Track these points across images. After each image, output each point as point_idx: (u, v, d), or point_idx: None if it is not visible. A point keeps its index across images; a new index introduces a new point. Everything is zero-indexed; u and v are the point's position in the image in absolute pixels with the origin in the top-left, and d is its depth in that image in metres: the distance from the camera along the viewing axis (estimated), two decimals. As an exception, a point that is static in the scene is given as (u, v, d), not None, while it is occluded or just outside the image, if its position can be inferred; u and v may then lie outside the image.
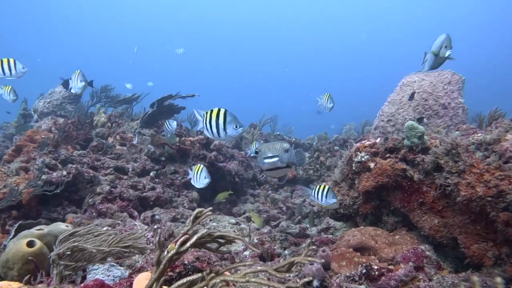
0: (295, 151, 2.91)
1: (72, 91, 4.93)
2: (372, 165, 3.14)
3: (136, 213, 4.83)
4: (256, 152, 2.70)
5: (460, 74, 4.38)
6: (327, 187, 3.06)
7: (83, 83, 4.79)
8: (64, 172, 4.45)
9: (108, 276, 2.24)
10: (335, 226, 4.80)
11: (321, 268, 2.89)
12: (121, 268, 2.43)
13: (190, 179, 3.81)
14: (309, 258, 1.49)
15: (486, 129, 2.61)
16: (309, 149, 8.19)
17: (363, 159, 3.21)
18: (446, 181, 2.52)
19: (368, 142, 3.28)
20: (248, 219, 5.43)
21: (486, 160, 2.26)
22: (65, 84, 5.53)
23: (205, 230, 1.55)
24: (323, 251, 3.04)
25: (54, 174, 4.36)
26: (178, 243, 1.42)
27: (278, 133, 9.19)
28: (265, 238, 3.64)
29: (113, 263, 2.38)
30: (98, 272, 2.24)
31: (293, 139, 8.69)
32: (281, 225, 5.42)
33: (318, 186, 3.10)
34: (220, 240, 1.72)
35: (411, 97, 4.56)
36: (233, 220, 5.27)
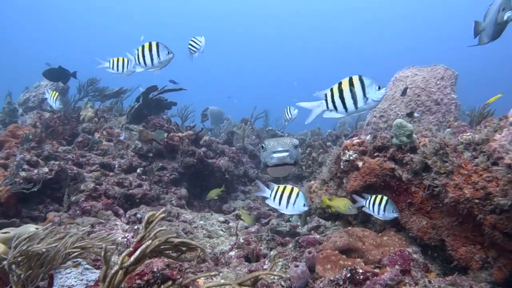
0: None
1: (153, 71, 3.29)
2: (360, 164, 3.09)
3: (121, 211, 4.76)
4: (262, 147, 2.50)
5: (453, 69, 4.33)
6: (385, 198, 2.59)
7: (170, 55, 3.11)
8: (46, 169, 4.37)
9: (81, 280, 2.18)
10: (325, 225, 4.76)
11: (306, 270, 2.84)
12: (97, 271, 2.37)
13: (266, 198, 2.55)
14: (274, 273, 1.43)
15: (476, 128, 2.56)
16: (301, 145, 8.14)
17: (351, 157, 3.16)
18: (434, 181, 2.48)
19: (357, 140, 3.23)
20: (238, 217, 5.39)
21: (475, 160, 2.22)
22: (49, 72, 5.39)
23: (156, 241, 1.47)
24: (309, 252, 3.00)
25: (35, 171, 4.28)
26: (133, 256, 1.36)
27: (270, 128, 9.12)
28: (251, 238, 3.59)
29: (87, 266, 2.32)
30: (70, 276, 2.18)
31: (286, 134, 8.63)
32: (271, 222, 5.37)
33: (374, 197, 2.63)
34: (182, 248, 1.65)
35: (404, 92, 4.50)
36: (222, 218, 5.22)
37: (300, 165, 2.59)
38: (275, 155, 2.23)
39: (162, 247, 1.50)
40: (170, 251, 1.63)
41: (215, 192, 5.19)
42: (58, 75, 5.38)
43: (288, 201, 2.35)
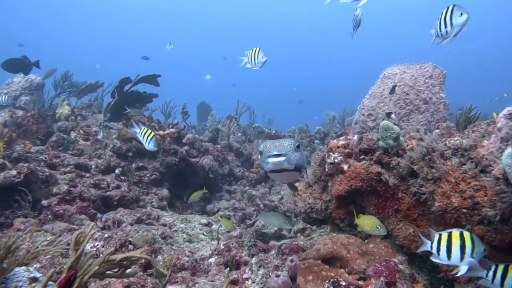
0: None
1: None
2: (345, 167, 3.01)
3: (98, 215, 4.63)
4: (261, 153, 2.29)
5: (442, 67, 4.27)
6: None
7: (264, 59, 4.18)
8: (14, 172, 4.21)
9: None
10: (312, 227, 4.69)
11: (288, 280, 2.77)
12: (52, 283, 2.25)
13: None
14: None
15: (463, 132, 2.49)
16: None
17: (336, 160, 3.08)
18: (421, 188, 2.41)
19: (342, 142, 3.14)
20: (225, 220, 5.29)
21: (462, 167, 2.15)
22: (9, 63, 5.10)
23: (94, 266, 1.35)
24: (291, 261, 2.92)
25: (1, 174, 4.11)
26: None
27: (257, 124, 9.02)
28: (232, 243, 3.49)
29: (37, 275, 2.21)
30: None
31: (273, 131, 8.55)
32: (257, 224, 5.30)
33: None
34: (124, 263, 1.53)
35: (392, 90, 4.44)
36: (204, 220, 5.12)
37: (301, 169, 2.30)
38: (270, 159, 2.01)
39: (101, 269, 1.38)
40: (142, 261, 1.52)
41: (197, 194, 5.08)
42: (18, 65, 5.11)
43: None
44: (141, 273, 2.55)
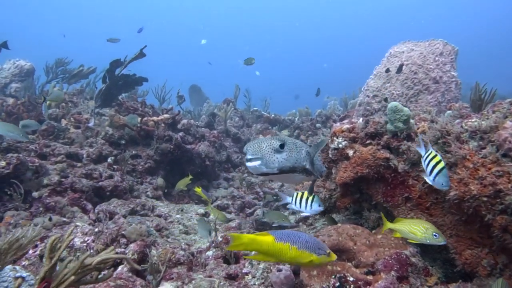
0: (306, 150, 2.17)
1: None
2: (350, 152, 2.85)
3: (90, 206, 4.49)
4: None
5: (453, 44, 4.07)
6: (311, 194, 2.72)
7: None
8: (3, 163, 4.05)
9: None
10: (314, 216, 4.56)
11: (291, 275, 2.63)
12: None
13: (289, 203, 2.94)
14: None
15: (481, 113, 2.32)
16: (289, 127, 7.88)
17: (340, 145, 2.92)
18: (434, 175, 2.25)
19: (347, 126, 2.98)
20: (219, 208, 5.16)
21: (482, 151, 1.99)
22: None
23: (70, 276, 1.19)
24: (294, 254, 2.79)
25: (-12, 165, 3.96)
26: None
27: (255, 108, 8.81)
28: (230, 236, 3.35)
29: (23, 274, 2.08)
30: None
31: (272, 115, 8.36)
32: (256, 213, 5.17)
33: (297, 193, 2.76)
34: (100, 266, 1.38)
35: (399, 69, 4.25)
36: (202, 210, 4.99)
37: (298, 170, 2.05)
38: (247, 163, 1.89)
39: (78, 276, 1.22)
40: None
41: (183, 182, 4.89)
42: None
43: (306, 203, 2.71)
44: (130, 274, 2.41)
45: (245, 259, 2.95)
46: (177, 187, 4.83)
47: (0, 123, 4.02)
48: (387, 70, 4.18)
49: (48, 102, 6.65)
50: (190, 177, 4.94)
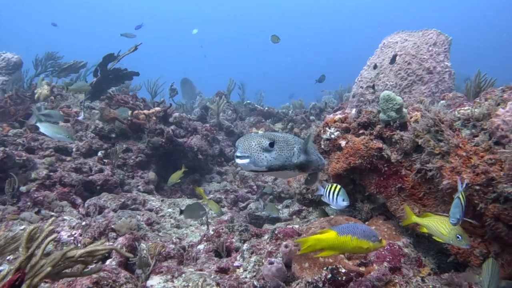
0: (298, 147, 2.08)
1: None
2: (343, 143, 2.83)
3: (79, 200, 4.44)
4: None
5: (447, 34, 4.05)
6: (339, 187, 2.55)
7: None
8: (-12, 157, 3.99)
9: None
10: (308, 209, 4.55)
11: (282, 268, 2.61)
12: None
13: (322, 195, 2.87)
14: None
15: (474, 101, 2.30)
16: (283, 119, 7.84)
17: (332, 136, 2.90)
18: (427, 164, 2.23)
19: (339, 116, 2.95)
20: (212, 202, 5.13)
21: (474, 139, 1.97)
22: None
23: (47, 268, 1.16)
24: (286, 246, 2.76)
25: (-28, 160, 3.90)
26: None
27: (248, 101, 8.75)
28: (222, 229, 3.33)
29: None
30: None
31: (266, 108, 8.31)
32: (250, 207, 5.15)
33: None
34: (86, 259, 1.34)
35: (393, 60, 4.23)
36: (194, 204, 4.96)
37: (289, 168, 2.01)
38: (236, 160, 1.89)
39: (58, 268, 1.19)
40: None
41: (177, 175, 4.83)
42: None
43: (332, 197, 2.53)
44: (115, 266, 2.37)
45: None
46: (170, 180, 4.77)
47: (48, 124, 3.95)
48: (375, 67, 4.15)
49: (36, 95, 6.58)
50: (184, 169, 4.88)
